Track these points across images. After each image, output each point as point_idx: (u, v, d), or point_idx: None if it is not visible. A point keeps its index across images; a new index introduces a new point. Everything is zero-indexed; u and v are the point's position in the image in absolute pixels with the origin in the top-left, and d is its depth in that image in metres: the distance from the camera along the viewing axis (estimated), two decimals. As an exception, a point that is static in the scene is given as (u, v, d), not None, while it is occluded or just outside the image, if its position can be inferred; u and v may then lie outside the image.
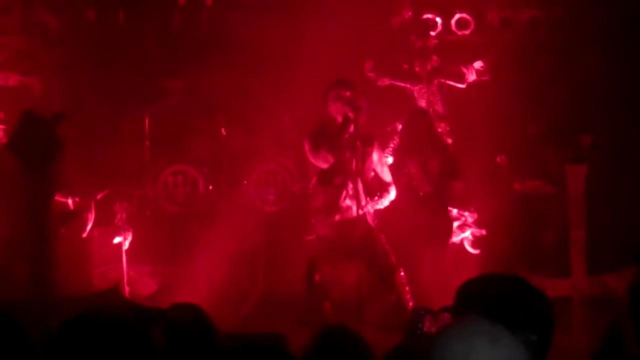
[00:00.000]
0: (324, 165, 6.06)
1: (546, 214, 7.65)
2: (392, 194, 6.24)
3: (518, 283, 2.12)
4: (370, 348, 2.53)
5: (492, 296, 2.05)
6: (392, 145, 7.42)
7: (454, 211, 7.35)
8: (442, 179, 6.96)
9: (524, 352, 1.61)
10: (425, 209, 6.85)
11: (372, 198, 6.15)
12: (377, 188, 6.25)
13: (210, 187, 8.12)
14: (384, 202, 6.21)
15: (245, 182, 8.16)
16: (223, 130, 8.34)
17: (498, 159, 8.02)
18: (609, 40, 7.89)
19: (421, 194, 6.79)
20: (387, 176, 6.28)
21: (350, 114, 5.91)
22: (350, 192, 6.03)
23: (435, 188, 6.88)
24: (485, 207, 7.33)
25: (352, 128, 5.92)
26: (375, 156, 6.22)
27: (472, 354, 1.52)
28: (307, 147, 6.10)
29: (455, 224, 7.47)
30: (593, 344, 4.96)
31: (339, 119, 6.01)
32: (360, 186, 6.01)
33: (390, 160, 7.18)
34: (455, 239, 7.48)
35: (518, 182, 7.85)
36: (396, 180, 6.43)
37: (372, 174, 6.26)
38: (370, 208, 6.11)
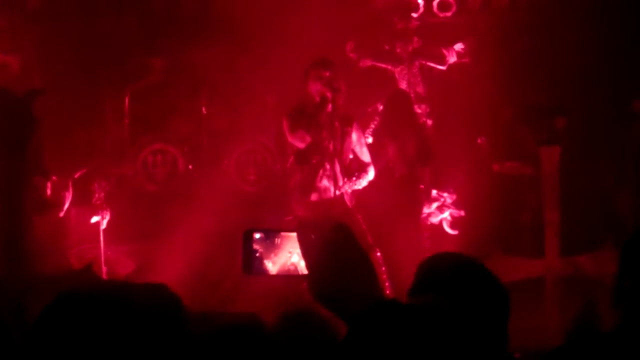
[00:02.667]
0: (301, 145, 6.07)
1: (523, 195, 7.71)
2: (371, 175, 6.25)
3: (474, 265, 2.14)
4: (338, 327, 2.53)
5: (447, 275, 2.07)
6: (373, 125, 7.44)
7: (433, 192, 7.39)
8: (417, 162, 6.99)
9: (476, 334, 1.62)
10: (400, 190, 6.88)
11: (350, 178, 6.16)
12: (355, 168, 6.26)
13: (190, 167, 8.11)
14: (362, 183, 6.22)
15: (225, 161, 8.15)
16: (204, 109, 8.31)
17: (479, 140, 8.06)
18: (587, 24, 7.92)
19: (397, 175, 6.81)
20: (365, 157, 6.29)
21: (328, 94, 5.91)
22: (328, 172, 6.05)
23: (410, 170, 6.90)
24: (464, 188, 7.38)
25: (330, 108, 5.92)
26: (354, 136, 6.22)
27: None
28: (285, 126, 6.10)
29: (434, 205, 7.52)
30: (566, 324, 5.04)
31: (318, 98, 6.02)
32: (337, 166, 6.03)
33: (370, 140, 7.19)
34: (434, 219, 7.52)
35: (496, 163, 7.90)
36: (375, 161, 6.44)
37: (351, 155, 6.27)
38: (347, 188, 6.13)
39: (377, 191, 6.56)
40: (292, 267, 1.70)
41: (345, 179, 6.14)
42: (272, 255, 1.75)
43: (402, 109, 7.12)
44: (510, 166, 7.80)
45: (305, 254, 1.65)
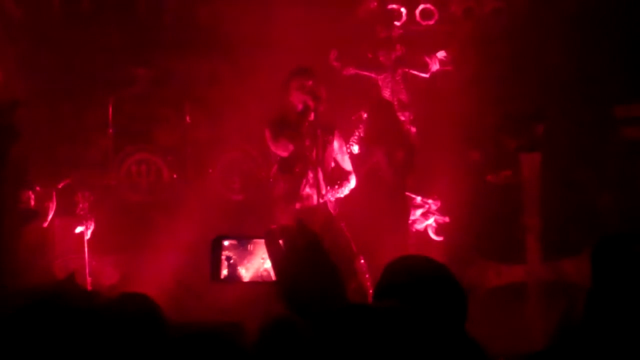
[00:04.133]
0: (284, 153, 6.08)
1: (506, 201, 7.76)
2: (352, 183, 6.27)
3: (434, 268, 2.17)
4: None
5: (406, 279, 2.10)
6: (357, 133, 7.47)
7: (418, 199, 7.43)
8: (405, 169, 7.04)
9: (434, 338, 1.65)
10: (387, 198, 6.91)
11: (332, 187, 6.18)
12: (337, 177, 6.28)
13: (175, 176, 8.11)
14: (344, 191, 6.24)
15: (210, 170, 8.16)
16: (188, 118, 8.32)
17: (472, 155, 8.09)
18: (568, 31, 7.99)
19: (384, 182, 6.85)
20: (347, 165, 6.31)
21: (311, 103, 5.93)
22: (311, 180, 6.07)
23: (397, 177, 6.94)
24: (448, 195, 7.42)
25: (312, 116, 5.95)
26: (335, 145, 6.24)
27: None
28: (267, 135, 6.11)
29: (419, 211, 7.55)
30: (548, 328, 5.07)
31: (300, 107, 6.04)
32: (320, 175, 6.05)
33: (356, 148, 7.22)
34: (419, 226, 7.55)
35: (490, 174, 7.90)
36: (361, 169, 6.47)
37: (333, 163, 6.29)
38: (330, 197, 6.14)
39: (362, 198, 6.59)
40: (265, 274, 1.72)
41: (328, 187, 6.16)
42: (245, 261, 1.76)
43: (387, 117, 7.18)
44: (504, 176, 7.82)
45: (273, 260, 1.67)
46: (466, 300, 2.08)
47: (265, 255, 1.70)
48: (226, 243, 1.76)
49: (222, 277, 1.76)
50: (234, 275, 1.75)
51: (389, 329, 1.50)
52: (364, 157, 7.18)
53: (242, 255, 1.74)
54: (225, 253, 1.75)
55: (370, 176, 7.05)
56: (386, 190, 7.15)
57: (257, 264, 1.73)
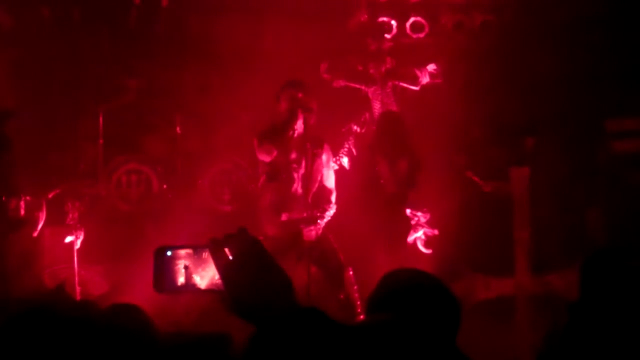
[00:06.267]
0: (267, 158, 6.04)
1: (495, 214, 7.77)
2: (333, 205, 6.23)
3: (433, 281, 2.19)
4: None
5: (402, 292, 2.11)
6: (347, 146, 7.48)
7: (407, 211, 7.44)
8: (408, 181, 7.06)
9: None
10: (386, 209, 6.94)
11: (321, 212, 6.14)
12: (319, 192, 6.23)
13: (165, 186, 8.11)
14: (330, 214, 6.21)
15: (200, 181, 8.16)
16: (178, 129, 8.33)
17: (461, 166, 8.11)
18: (558, 45, 8.05)
19: (389, 192, 6.86)
20: (330, 182, 6.27)
21: (300, 114, 5.93)
22: (298, 192, 6.07)
23: (400, 189, 6.96)
24: (437, 207, 7.43)
25: (302, 128, 5.96)
26: (324, 158, 6.24)
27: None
28: (255, 144, 6.11)
29: (408, 223, 7.57)
30: (536, 342, 5.08)
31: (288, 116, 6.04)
32: (307, 186, 6.04)
33: (345, 161, 7.22)
34: (409, 238, 7.57)
35: (485, 184, 7.91)
36: (363, 176, 6.46)
37: (320, 176, 6.27)
38: (321, 222, 6.12)
39: (358, 208, 6.61)
40: (219, 282, 1.72)
41: (318, 214, 6.12)
42: (200, 269, 1.76)
43: (395, 129, 7.20)
44: (496, 185, 7.81)
45: (218, 268, 1.67)
46: (460, 312, 2.10)
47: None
48: (169, 253, 1.77)
49: (178, 284, 1.76)
50: (189, 284, 1.75)
51: (345, 332, 1.52)
52: (366, 165, 7.20)
53: (197, 263, 1.75)
54: (181, 261, 1.76)
55: (370, 185, 7.07)
56: (385, 201, 7.17)
57: (212, 272, 1.73)
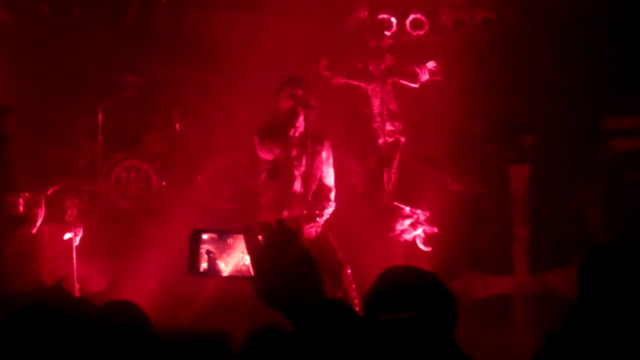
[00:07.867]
0: (269, 157, 6.05)
1: (493, 212, 7.78)
2: (332, 203, 6.24)
3: (429, 278, 2.19)
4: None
5: (400, 288, 2.12)
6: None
7: (406, 209, 7.44)
8: (378, 177, 7.05)
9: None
10: (365, 206, 6.94)
11: (320, 210, 6.14)
12: (319, 190, 6.23)
13: (164, 183, 8.11)
14: (329, 211, 6.21)
15: (199, 178, 8.16)
16: (177, 125, 8.33)
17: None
18: (558, 43, 8.04)
19: (359, 190, 6.86)
20: (329, 180, 6.27)
21: (300, 111, 5.93)
22: (299, 189, 6.07)
23: (372, 185, 6.96)
24: (437, 205, 7.43)
25: (302, 125, 5.95)
26: (324, 155, 6.24)
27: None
28: (255, 142, 6.10)
29: (407, 221, 7.56)
30: (535, 341, 5.08)
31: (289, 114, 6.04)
32: (308, 183, 6.04)
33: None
34: (408, 236, 7.56)
35: (455, 182, 7.92)
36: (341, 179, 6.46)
37: (319, 173, 6.28)
38: (320, 220, 6.12)
39: (345, 208, 6.60)
40: (244, 268, 1.71)
41: (317, 212, 6.12)
42: (225, 255, 1.75)
43: (361, 127, 7.21)
44: (467, 182, 7.81)
45: (251, 255, 1.67)
46: (456, 308, 2.10)
47: (245, 250, 1.69)
48: (205, 236, 1.76)
49: (201, 270, 1.75)
50: (213, 269, 1.74)
51: (367, 326, 1.52)
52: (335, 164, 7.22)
53: (222, 249, 1.73)
54: (205, 246, 1.74)
55: (343, 183, 7.07)
56: (362, 198, 7.17)
57: (237, 259, 1.72)
